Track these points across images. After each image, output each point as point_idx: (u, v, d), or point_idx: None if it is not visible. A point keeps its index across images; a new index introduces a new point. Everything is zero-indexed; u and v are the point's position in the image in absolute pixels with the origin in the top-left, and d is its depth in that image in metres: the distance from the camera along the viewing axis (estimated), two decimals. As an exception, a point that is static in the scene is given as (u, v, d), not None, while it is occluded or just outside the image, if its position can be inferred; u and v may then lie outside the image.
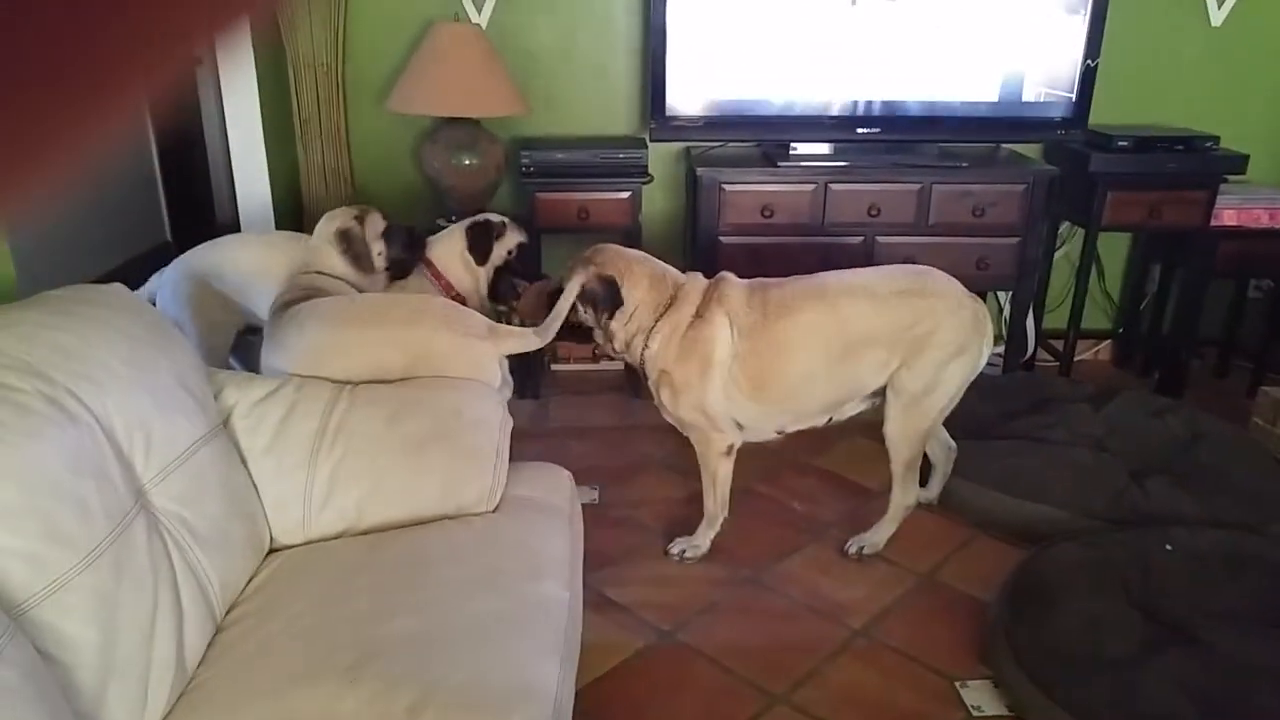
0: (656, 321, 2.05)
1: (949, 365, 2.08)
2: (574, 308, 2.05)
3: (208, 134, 4.91)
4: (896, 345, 2.06)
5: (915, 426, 2.13)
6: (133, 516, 1.23)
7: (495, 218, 2.49)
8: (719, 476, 2.17)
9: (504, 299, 2.48)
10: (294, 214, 3.19)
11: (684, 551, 2.25)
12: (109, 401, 1.25)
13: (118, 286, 1.48)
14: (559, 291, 2.06)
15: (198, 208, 4.86)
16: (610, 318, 2.05)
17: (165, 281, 2.41)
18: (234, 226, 3.05)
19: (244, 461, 1.53)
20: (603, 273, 2.03)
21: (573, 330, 2.08)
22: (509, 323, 2.28)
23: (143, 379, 1.33)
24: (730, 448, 2.15)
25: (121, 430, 1.27)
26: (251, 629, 1.34)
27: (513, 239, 2.48)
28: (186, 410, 1.40)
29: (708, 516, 2.25)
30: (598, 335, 2.12)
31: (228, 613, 1.38)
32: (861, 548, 2.27)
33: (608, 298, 2.03)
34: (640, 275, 2.06)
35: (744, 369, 2.04)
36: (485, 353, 1.86)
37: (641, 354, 2.08)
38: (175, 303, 2.35)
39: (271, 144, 2.97)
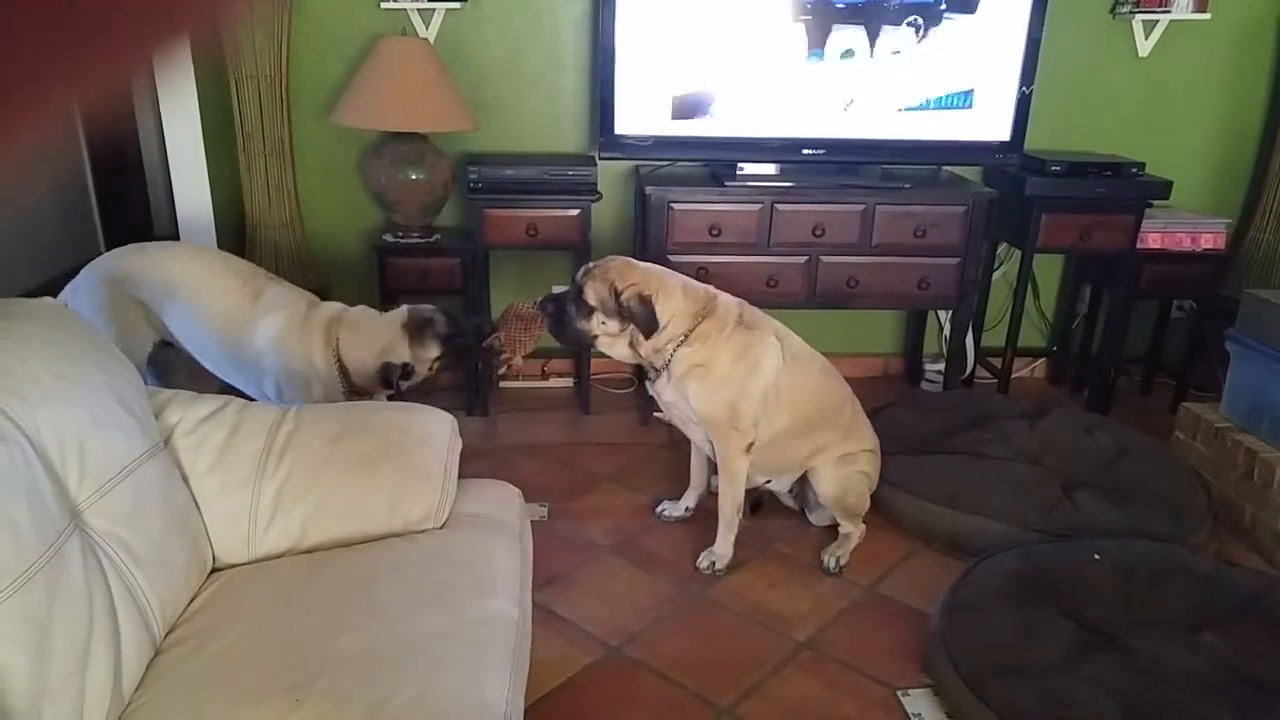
0: (696, 325, 2.13)
1: None
2: (590, 316, 2.12)
3: (144, 145, 4.80)
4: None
5: None
6: (66, 537, 1.19)
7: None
8: (738, 475, 2.23)
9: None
10: (237, 228, 3.13)
11: (713, 564, 2.29)
12: (39, 418, 1.21)
13: (47, 300, 1.43)
14: (555, 302, 2.16)
15: (135, 221, 4.74)
16: (647, 338, 2.11)
17: (79, 284, 2.26)
18: (174, 240, 2.97)
19: (186, 480, 1.50)
20: (642, 292, 2.09)
21: (578, 336, 2.18)
22: (496, 367, 2.26)
23: (76, 394, 1.29)
24: (750, 445, 2.20)
25: (54, 448, 1.23)
26: (192, 650, 1.30)
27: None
28: (124, 427, 1.36)
29: (725, 521, 2.28)
30: (604, 344, 2.18)
31: (168, 634, 1.34)
32: (838, 558, 2.34)
33: (647, 318, 2.09)
34: (673, 289, 2.15)
35: (784, 389, 2.19)
36: None
37: (672, 354, 2.14)
38: (88, 307, 2.21)
39: (212, 156, 2.91)
